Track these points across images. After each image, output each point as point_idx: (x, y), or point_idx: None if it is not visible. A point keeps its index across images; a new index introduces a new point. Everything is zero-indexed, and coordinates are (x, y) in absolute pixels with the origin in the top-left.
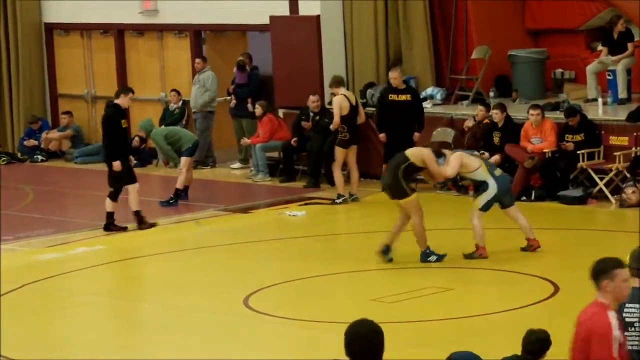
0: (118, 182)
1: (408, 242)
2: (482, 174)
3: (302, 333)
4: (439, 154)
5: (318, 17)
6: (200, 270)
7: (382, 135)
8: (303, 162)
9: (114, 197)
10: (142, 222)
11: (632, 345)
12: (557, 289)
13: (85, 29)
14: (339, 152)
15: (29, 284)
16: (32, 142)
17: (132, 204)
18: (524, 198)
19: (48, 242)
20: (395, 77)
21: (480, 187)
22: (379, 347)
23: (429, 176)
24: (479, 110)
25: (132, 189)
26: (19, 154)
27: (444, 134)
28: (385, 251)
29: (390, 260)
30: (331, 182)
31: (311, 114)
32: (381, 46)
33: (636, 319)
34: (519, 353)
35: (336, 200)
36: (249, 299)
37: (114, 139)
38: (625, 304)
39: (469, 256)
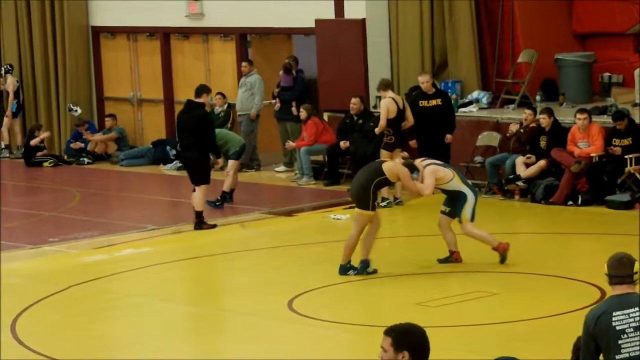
0: (193, 180)
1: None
2: (456, 184)
3: (346, 336)
4: (412, 169)
5: (363, 20)
6: (245, 273)
7: (412, 142)
8: (348, 166)
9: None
10: (202, 223)
11: (629, 353)
12: (603, 294)
13: (131, 32)
14: (384, 155)
15: (76, 285)
16: (78, 144)
17: (197, 204)
18: (570, 202)
19: (94, 244)
20: (425, 80)
21: (455, 198)
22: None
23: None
24: (527, 114)
25: (202, 190)
26: (65, 156)
27: (490, 137)
28: (366, 263)
29: (374, 270)
30: None
31: (355, 117)
32: (426, 50)
33: (626, 325)
34: (565, 358)
35: (381, 204)
36: (293, 301)
37: (211, 136)
38: (612, 312)
39: (502, 260)
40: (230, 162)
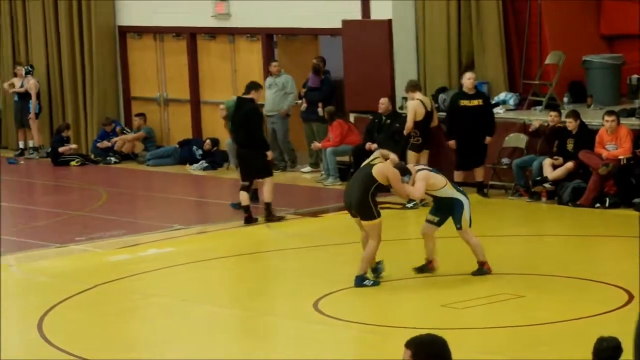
0: (256, 174)
1: (484, 248)
2: (449, 191)
3: (372, 338)
4: (404, 172)
5: (390, 21)
6: (270, 273)
7: (451, 142)
8: None
9: (247, 189)
10: (270, 215)
11: None
12: (631, 297)
13: (158, 32)
14: (411, 156)
15: (102, 284)
16: (105, 143)
17: (266, 195)
18: (597, 205)
19: (120, 243)
20: (472, 77)
21: (449, 206)
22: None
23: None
24: (552, 116)
25: (268, 181)
26: (92, 156)
27: (517, 139)
28: (377, 269)
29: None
30: None
31: (383, 118)
32: (453, 51)
33: None
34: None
35: (407, 205)
36: (319, 302)
37: (260, 130)
38: None
39: (477, 273)
40: None
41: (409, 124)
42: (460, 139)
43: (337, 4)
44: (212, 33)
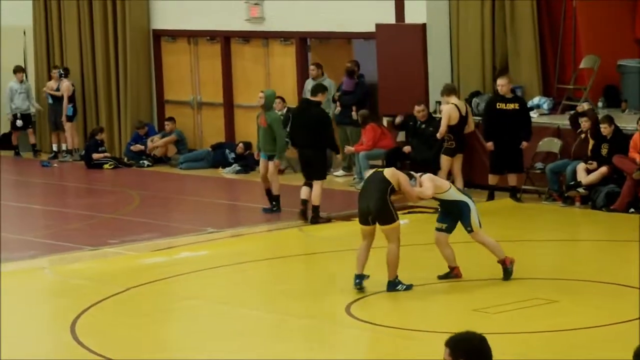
0: (312, 175)
1: (515, 253)
2: (454, 194)
3: (404, 342)
4: (410, 176)
5: (424, 25)
6: (303, 277)
7: (489, 144)
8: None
9: (310, 185)
10: (318, 217)
11: None
12: None
13: (192, 36)
14: (444, 160)
15: (135, 287)
16: (138, 147)
17: (314, 199)
18: (632, 210)
19: (153, 246)
20: (503, 84)
21: (456, 210)
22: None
23: (402, 197)
24: (583, 121)
25: (319, 184)
26: (125, 159)
27: (550, 144)
28: (361, 278)
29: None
30: None
31: (418, 122)
32: (487, 55)
33: None
34: None
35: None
36: (351, 306)
37: (330, 133)
38: None
39: (507, 275)
40: (272, 164)
41: (443, 128)
42: (496, 142)
43: (371, 8)
44: (246, 37)
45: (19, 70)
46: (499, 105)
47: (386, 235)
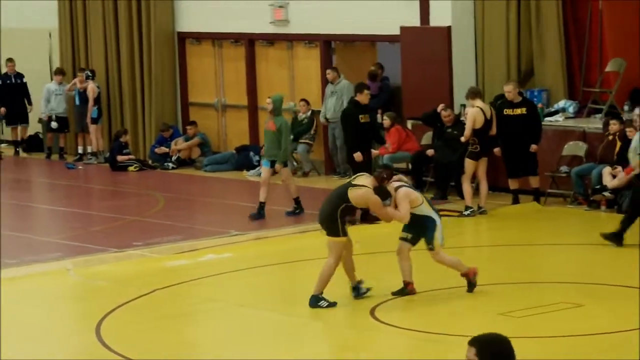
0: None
1: (540, 256)
2: (425, 209)
3: (428, 346)
4: (385, 196)
5: (449, 28)
6: None
7: (496, 150)
8: (431, 174)
9: None
10: (367, 214)
11: None
12: None
13: (216, 39)
14: (469, 164)
15: (159, 289)
16: (163, 149)
17: None
18: None
19: (178, 248)
20: (509, 90)
21: (422, 224)
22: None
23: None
24: (612, 124)
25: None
26: (150, 161)
27: (576, 147)
28: (357, 288)
29: (367, 290)
30: (460, 194)
31: (444, 125)
32: (512, 58)
33: None
34: None
35: (464, 213)
36: (376, 310)
37: (351, 133)
38: None
39: (470, 286)
40: (286, 170)
41: (467, 131)
42: (506, 147)
43: (396, 11)
44: (271, 39)
45: (59, 72)
46: (506, 112)
47: (328, 248)
